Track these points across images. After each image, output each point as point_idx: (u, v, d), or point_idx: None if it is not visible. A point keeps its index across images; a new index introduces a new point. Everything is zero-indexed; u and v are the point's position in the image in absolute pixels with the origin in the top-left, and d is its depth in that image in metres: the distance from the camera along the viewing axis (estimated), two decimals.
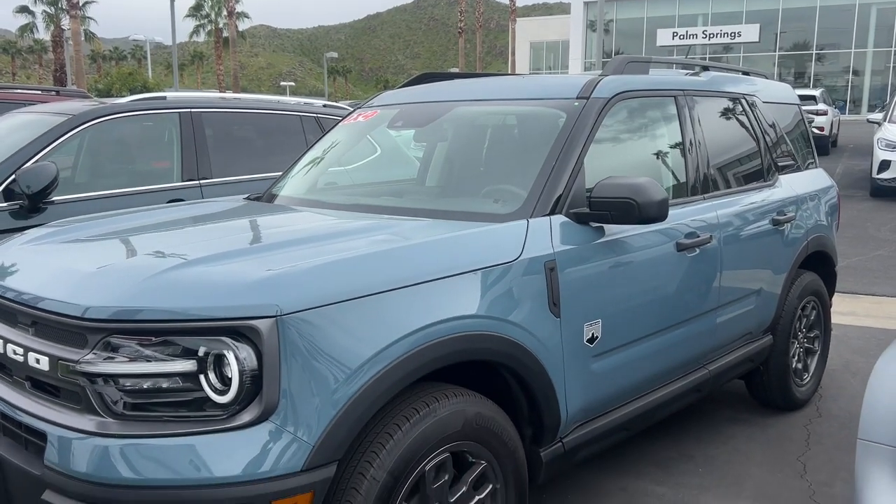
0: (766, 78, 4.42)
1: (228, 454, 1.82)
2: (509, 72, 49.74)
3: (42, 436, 1.95)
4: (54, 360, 1.96)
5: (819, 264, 4.25)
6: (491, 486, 2.35)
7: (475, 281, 2.30)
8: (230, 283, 1.94)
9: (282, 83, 76.10)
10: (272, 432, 1.85)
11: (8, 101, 6.46)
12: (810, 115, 17.28)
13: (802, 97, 19.58)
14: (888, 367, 1.86)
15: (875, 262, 7.93)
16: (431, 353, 2.12)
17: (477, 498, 2.32)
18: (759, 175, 3.86)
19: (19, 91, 7.14)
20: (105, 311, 1.91)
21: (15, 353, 2.08)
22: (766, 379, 3.97)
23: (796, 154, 4.30)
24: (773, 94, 4.24)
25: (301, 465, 1.86)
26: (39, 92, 7.52)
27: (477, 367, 2.40)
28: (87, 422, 1.90)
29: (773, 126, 4.08)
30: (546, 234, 2.54)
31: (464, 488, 2.27)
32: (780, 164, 4.05)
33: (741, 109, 3.86)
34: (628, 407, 2.92)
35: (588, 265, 2.63)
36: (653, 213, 2.55)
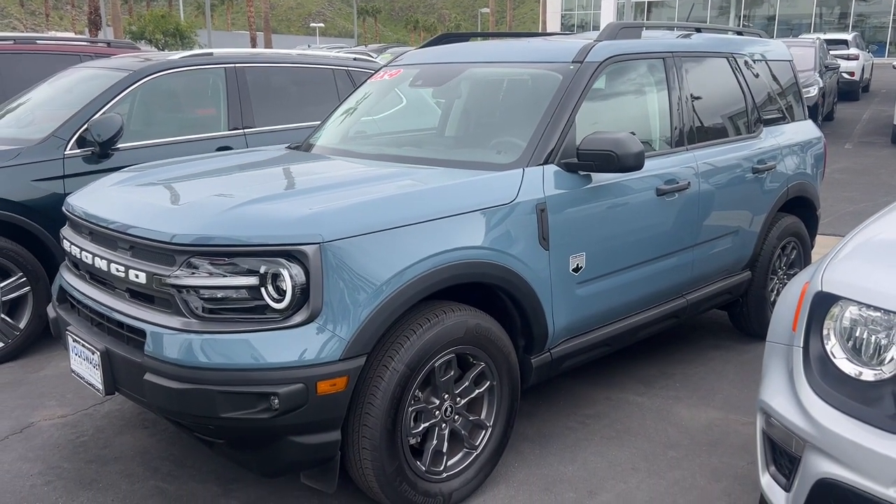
0: (761, 37, 4.80)
1: (284, 346, 2.41)
2: (540, 12, 49.00)
3: (141, 333, 2.56)
4: (150, 275, 2.55)
5: (800, 208, 4.70)
6: (489, 383, 2.93)
7: (478, 219, 2.83)
8: (284, 218, 2.50)
9: (311, 24, 75.73)
10: (317, 330, 2.43)
11: (63, 53, 6.99)
12: (839, 60, 17.18)
13: (833, 41, 19.45)
14: (792, 286, 2.38)
15: (882, 209, 8.25)
16: (440, 275, 2.67)
17: (477, 391, 2.90)
18: (744, 127, 4.29)
19: (73, 43, 7.68)
20: (187, 237, 2.49)
21: (118, 270, 2.68)
22: (745, 310, 4.48)
23: (784, 108, 4.71)
24: (763, 51, 4.63)
25: (339, 355, 2.45)
26: (88, 43, 8.05)
27: (478, 288, 2.95)
28: (176, 321, 2.50)
29: (760, 82, 4.49)
30: (539, 181, 3.05)
31: (466, 383, 2.86)
32: (765, 117, 4.47)
33: (729, 68, 4.28)
34: (609, 327, 3.47)
35: (574, 207, 3.15)
36: (630, 163, 3.05)
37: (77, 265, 3.01)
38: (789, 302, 2.27)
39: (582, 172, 3.19)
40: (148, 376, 2.50)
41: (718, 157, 3.96)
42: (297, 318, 2.43)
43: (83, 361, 2.82)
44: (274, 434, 2.48)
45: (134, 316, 2.61)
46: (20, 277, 4.30)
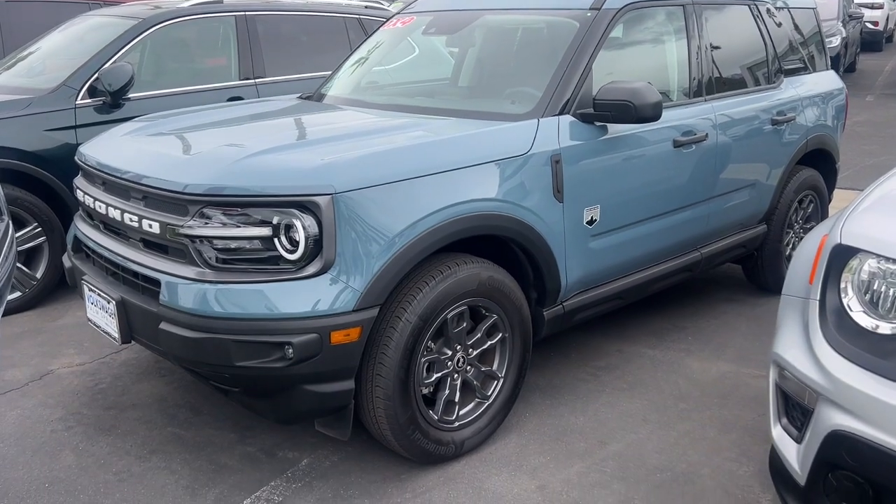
0: None
1: (297, 297, 2.42)
2: None
3: (156, 282, 2.57)
4: (163, 224, 2.56)
5: (819, 161, 4.63)
6: (501, 335, 2.94)
7: (491, 171, 2.80)
8: (296, 168, 2.48)
9: None
10: (330, 281, 2.43)
11: (72, 1, 6.88)
12: (863, 9, 16.73)
13: None
14: (810, 238, 2.35)
15: None
16: (453, 227, 2.66)
17: (489, 343, 2.92)
18: (764, 78, 4.20)
19: None
20: (200, 187, 2.48)
21: (131, 220, 2.68)
22: (759, 264, 4.45)
23: (806, 58, 4.60)
24: None
25: (352, 306, 2.46)
26: None
27: (491, 241, 2.94)
28: (190, 271, 2.51)
29: (782, 31, 4.37)
30: (554, 132, 3.01)
31: (478, 335, 2.87)
32: (786, 67, 4.37)
33: (750, 16, 4.17)
34: (622, 280, 3.46)
35: (590, 159, 3.11)
36: (647, 113, 2.99)
37: (91, 215, 3.02)
38: (807, 255, 2.24)
39: (598, 123, 3.14)
40: (163, 325, 2.52)
41: (737, 109, 3.88)
42: (311, 269, 2.43)
43: (99, 310, 2.85)
44: (288, 383, 2.51)
45: (148, 266, 2.63)
46: (35, 227, 4.33)
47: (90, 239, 2.97)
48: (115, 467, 2.86)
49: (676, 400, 3.36)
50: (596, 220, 3.18)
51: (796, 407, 2.10)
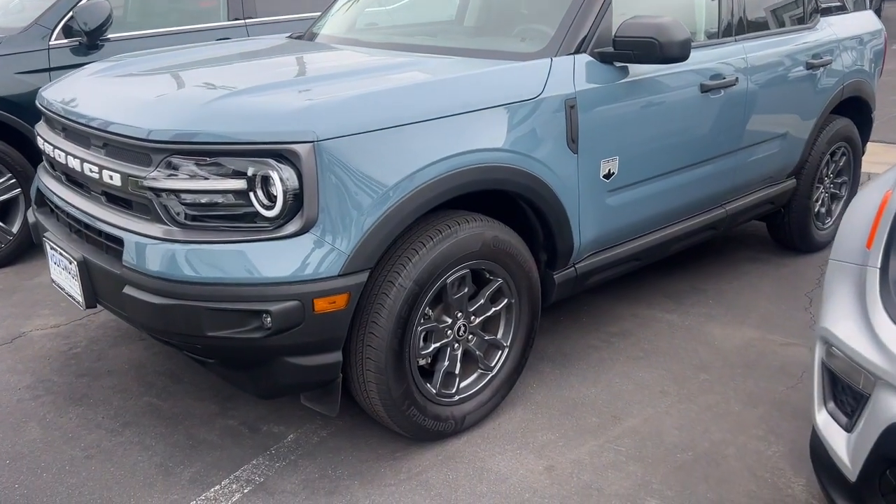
0: None
1: (276, 259, 2.13)
2: None
3: (119, 241, 2.29)
4: (125, 176, 2.26)
5: (854, 110, 4.27)
6: (506, 301, 2.66)
7: (497, 116, 2.48)
8: (273, 112, 2.17)
9: None
10: (313, 242, 2.14)
11: None
12: None
13: None
14: (865, 196, 2.03)
15: None
16: (454, 181, 2.35)
17: (493, 309, 2.64)
18: (799, 18, 3.82)
19: None
20: (165, 133, 2.17)
21: (91, 171, 2.38)
22: (786, 221, 4.13)
23: None
24: None
25: (338, 270, 2.17)
26: None
27: (497, 197, 2.63)
28: (156, 229, 2.21)
29: None
30: (569, 73, 2.67)
31: (481, 300, 2.59)
32: (822, 6, 3.98)
33: None
34: (641, 240, 3.16)
35: (608, 104, 2.78)
36: (675, 52, 2.65)
37: (53, 165, 2.73)
38: (863, 214, 1.93)
39: (618, 63, 2.80)
40: (127, 290, 2.25)
41: (770, 51, 3.52)
42: (291, 228, 2.14)
43: (62, 271, 2.57)
44: (268, 354, 2.24)
45: (111, 223, 2.34)
46: (10, 178, 4.04)
47: (52, 192, 2.68)
48: (83, 442, 2.62)
49: (697, 370, 3.09)
50: (614, 173, 2.86)
51: (846, 390, 1.82)
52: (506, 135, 2.49)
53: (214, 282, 2.14)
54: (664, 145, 3.07)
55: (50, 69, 4.10)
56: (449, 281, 2.43)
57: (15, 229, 4.12)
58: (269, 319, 2.14)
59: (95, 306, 2.50)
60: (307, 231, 2.14)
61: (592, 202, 2.82)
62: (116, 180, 2.29)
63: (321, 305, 2.17)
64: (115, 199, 2.37)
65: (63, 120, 2.56)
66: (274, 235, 2.14)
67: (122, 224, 2.30)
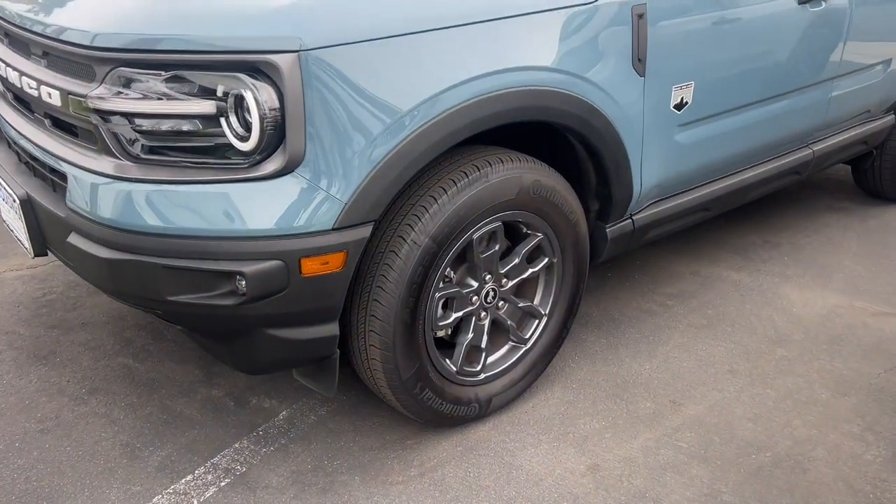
0: None
1: (251, 206, 1.65)
2: None
3: (64, 177, 1.83)
4: (65, 94, 1.77)
5: None
6: (547, 260, 2.16)
7: (544, 25, 1.92)
8: (246, 11, 1.64)
9: None
10: (299, 185, 1.65)
11: None
12: None
13: None
14: None
15: None
16: (487, 108, 1.82)
17: (530, 271, 2.14)
18: None
19: None
20: (112, 38, 1.67)
21: (30, 86, 1.90)
22: (878, 164, 3.52)
23: None
24: None
25: (332, 223, 1.68)
26: None
27: (539, 130, 2.10)
28: (105, 164, 1.74)
29: None
30: None
31: (516, 260, 2.09)
32: None
33: None
34: (713, 185, 2.61)
35: (686, 15, 2.20)
36: None
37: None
38: None
39: None
40: (72, 238, 1.80)
41: None
42: (270, 167, 1.65)
43: (9, 210, 2.13)
44: (245, 326, 1.79)
45: (55, 154, 1.87)
46: None
47: (0, 114, 2.21)
48: (41, 411, 2.23)
49: (773, 344, 2.57)
50: (687, 102, 2.30)
51: None
52: (555, 50, 1.93)
53: (174, 233, 1.67)
54: (749, 70, 2.48)
55: None
56: (476, 237, 1.93)
57: None
58: (243, 283, 1.67)
59: (46, 254, 2.05)
60: (291, 171, 1.64)
61: (659, 138, 2.27)
62: (56, 99, 1.81)
63: (310, 267, 1.69)
64: (60, 123, 1.89)
65: (5, 24, 2.07)
66: (249, 175, 1.65)
67: (67, 156, 1.83)
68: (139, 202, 1.69)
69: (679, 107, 2.29)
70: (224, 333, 1.86)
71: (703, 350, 2.53)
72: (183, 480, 1.97)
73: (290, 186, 1.65)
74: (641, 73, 2.12)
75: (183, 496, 1.92)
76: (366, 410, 2.23)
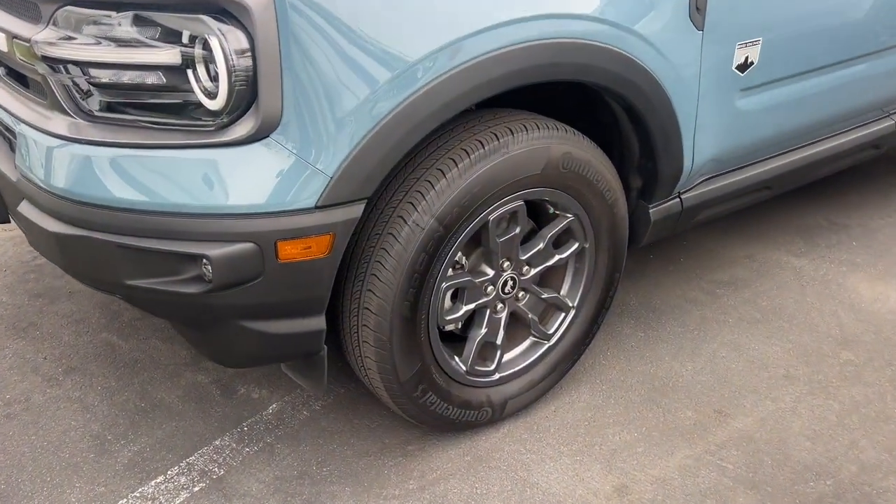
0: None
1: (219, 178, 1.38)
2: None
3: (15, 134, 1.58)
4: (10, 37, 1.51)
5: None
6: (577, 246, 1.85)
7: None
8: None
9: None
10: (274, 154, 1.37)
11: None
12: None
13: None
14: None
15: None
16: (515, 62, 1.51)
17: (557, 257, 1.84)
18: None
19: None
20: None
21: None
22: None
23: None
24: None
25: (315, 200, 1.40)
26: None
27: (572, 92, 1.78)
28: (56, 122, 1.48)
29: None
30: None
31: (541, 245, 1.78)
32: None
33: None
34: (777, 160, 2.26)
35: None
36: None
37: None
38: None
39: None
40: (23, 207, 1.56)
41: None
42: (240, 130, 1.36)
43: None
44: (216, 317, 1.53)
45: (6, 107, 1.62)
46: None
47: None
48: (10, 392, 2.02)
49: (837, 345, 2.24)
50: (752, 63, 1.94)
51: None
52: None
53: (130, 207, 1.41)
54: (827, 26, 2.11)
55: None
56: (492, 218, 1.63)
57: None
58: (209, 268, 1.41)
59: (9, 221, 1.82)
60: (265, 135, 1.36)
61: (717, 104, 1.92)
62: (2, 43, 1.55)
63: (289, 251, 1.42)
64: (13, 72, 1.64)
65: None
66: (215, 141, 1.38)
67: (18, 111, 1.58)
68: (92, 169, 1.44)
69: (742, 67, 1.94)
70: (195, 324, 1.61)
71: (756, 349, 2.21)
72: (153, 482, 1.75)
73: (263, 155, 1.37)
74: (700, 27, 1.77)
75: (150, 501, 1.70)
76: (365, 407, 1.97)
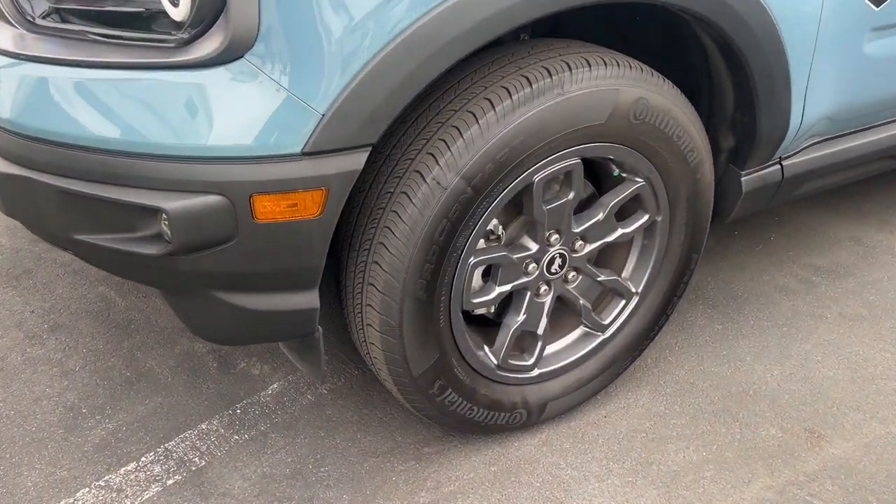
0: None
1: (178, 109, 1.07)
2: None
3: None
4: None
5: None
6: (647, 218, 1.48)
7: None
8: None
9: None
10: (248, 80, 1.05)
11: None
12: None
13: None
14: None
15: None
16: None
17: (621, 231, 1.47)
18: None
19: None
20: None
21: None
22: None
23: None
24: None
25: (301, 143, 1.08)
26: None
27: (649, 25, 1.39)
28: (3, 34, 1.19)
29: None
30: None
31: (600, 215, 1.42)
32: None
33: None
34: None
35: None
36: None
37: None
38: None
39: None
40: None
41: None
42: (205, 48, 1.05)
43: None
44: (184, 284, 1.24)
45: None
46: None
47: None
48: None
49: None
50: None
51: None
52: None
53: (72, 142, 1.12)
54: None
55: None
56: (539, 178, 1.28)
57: None
58: (166, 224, 1.11)
59: None
60: (237, 56, 1.04)
61: (840, 47, 1.50)
62: None
63: (268, 208, 1.11)
64: None
65: None
66: (174, 61, 1.06)
67: None
68: (33, 92, 1.15)
69: (877, 1, 1.50)
70: (166, 289, 1.32)
71: (860, 354, 1.81)
72: (122, 470, 1.49)
73: (233, 80, 1.05)
74: None
75: (115, 493, 1.45)
76: (379, 395, 1.67)
